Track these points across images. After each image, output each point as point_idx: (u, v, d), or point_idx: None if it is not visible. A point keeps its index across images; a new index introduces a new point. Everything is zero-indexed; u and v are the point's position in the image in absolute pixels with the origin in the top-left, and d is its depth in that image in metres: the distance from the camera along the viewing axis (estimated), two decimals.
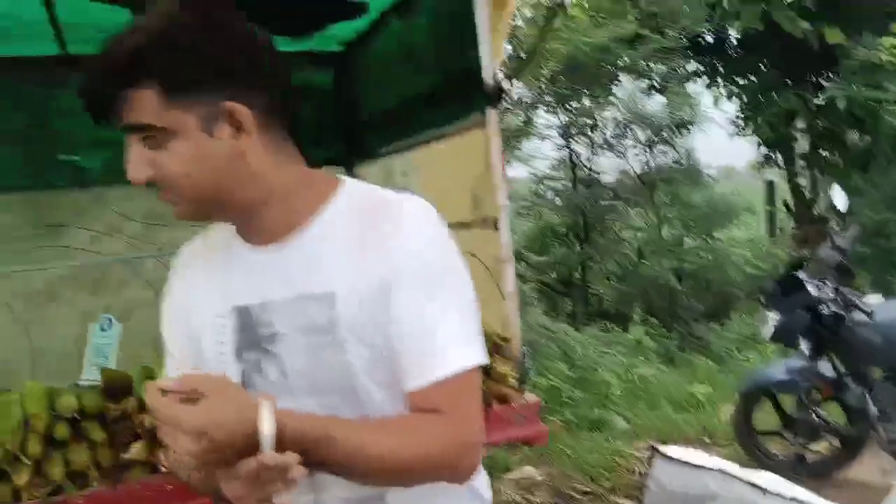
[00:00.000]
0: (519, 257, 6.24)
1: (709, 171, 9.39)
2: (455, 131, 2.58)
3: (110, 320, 2.58)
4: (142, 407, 1.99)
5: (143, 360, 2.20)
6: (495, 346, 2.23)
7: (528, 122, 8.72)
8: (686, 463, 2.87)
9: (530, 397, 2.22)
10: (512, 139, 8.19)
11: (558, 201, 8.74)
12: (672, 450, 3.00)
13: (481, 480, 1.21)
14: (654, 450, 2.98)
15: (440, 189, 2.71)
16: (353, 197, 1.12)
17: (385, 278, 1.05)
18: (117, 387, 2.07)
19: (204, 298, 1.14)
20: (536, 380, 5.18)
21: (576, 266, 8.63)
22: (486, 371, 2.11)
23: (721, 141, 9.03)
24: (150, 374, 2.09)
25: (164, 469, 1.93)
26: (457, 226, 2.54)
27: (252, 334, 1.10)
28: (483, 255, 2.45)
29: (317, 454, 0.94)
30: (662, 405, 5.40)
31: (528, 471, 4.29)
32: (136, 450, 1.97)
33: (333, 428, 0.97)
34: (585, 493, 4.00)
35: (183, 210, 1.08)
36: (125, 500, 1.89)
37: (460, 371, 1.05)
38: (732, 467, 2.89)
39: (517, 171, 9.34)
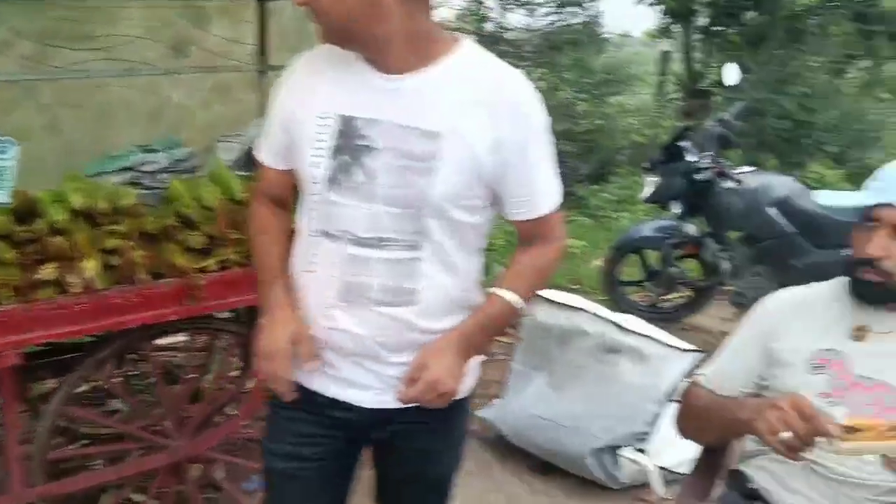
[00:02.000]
0: None
1: (609, 36, 9.53)
2: None
3: (7, 142, 2.54)
4: (53, 229, 2.03)
5: (41, 184, 2.18)
6: None
7: None
8: (559, 303, 3.25)
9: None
10: None
11: None
12: (548, 292, 3.36)
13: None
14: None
15: None
16: (472, 56, 1.32)
17: (506, 131, 1.29)
18: (26, 209, 2.09)
19: (315, 99, 1.32)
20: None
21: None
22: None
23: (624, 6, 9.12)
24: (61, 196, 2.11)
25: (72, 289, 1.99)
26: None
27: (350, 140, 1.28)
28: None
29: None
30: None
31: None
32: (47, 271, 2.02)
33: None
34: None
35: (322, 33, 1.27)
36: (41, 317, 1.95)
37: (556, 206, 1.43)
38: (599, 308, 3.29)
39: None
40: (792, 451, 1.27)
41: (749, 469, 1.53)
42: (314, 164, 1.31)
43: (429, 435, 1.47)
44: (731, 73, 4.25)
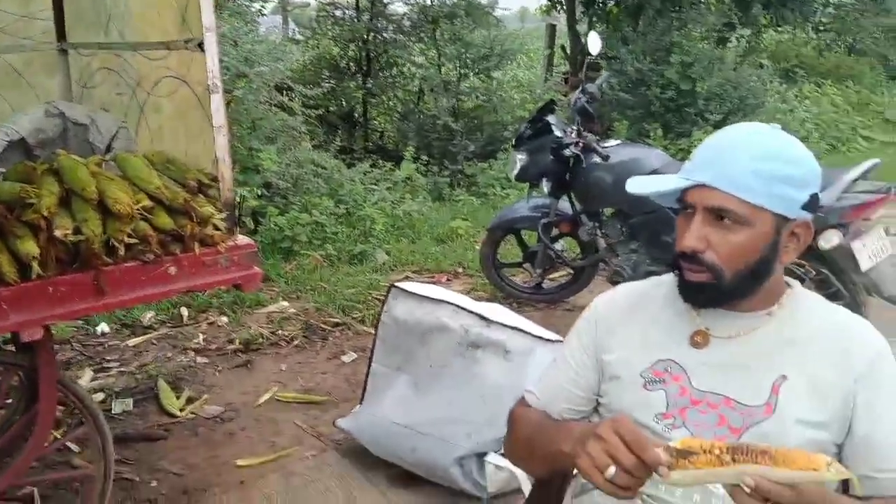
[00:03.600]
0: (286, 88, 5.88)
1: (504, 12, 9.31)
2: None
3: None
4: None
5: None
6: (200, 185, 2.05)
7: None
8: (420, 296, 2.97)
9: (242, 241, 2.09)
10: None
11: (338, 30, 8.26)
12: (409, 285, 3.08)
13: None
14: (392, 285, 3.04)
15: (147, 3, 2.36)
16: None
17: None
18: None
19: None
20: (299, 215, 5.09)
21: (357, 100, 8.38)
22: (189, 213, 1.94)
23: None
24: None
25: None
26: (160, 46, 2.26)
27: None
28: (193, 81, 2.20)
29: None
30: (424, 239, 5.56)
31: (282, 305, 4.27)
32: None
33: None
34: (336, 324, 4.07)
35: None
36: None
37: None
38: (464, 300, 3.03)
39: None
40: (621, 489, 1.03)
41: None
42: None
43: None
44: (594, 43, 4.07)
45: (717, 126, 8.12)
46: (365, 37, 8.10)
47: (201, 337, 3.88)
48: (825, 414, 1.15)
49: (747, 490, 0.97)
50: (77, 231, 1.80)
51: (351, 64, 8.46)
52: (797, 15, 10.39)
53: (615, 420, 1.05)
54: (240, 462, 2.82)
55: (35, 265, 1.74)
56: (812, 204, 1.19)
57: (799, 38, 13.48)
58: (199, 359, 3.66)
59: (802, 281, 3.12)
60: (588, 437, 1.07)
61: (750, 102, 8.41)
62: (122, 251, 1.83)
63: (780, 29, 12.07)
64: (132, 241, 1.85)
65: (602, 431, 1.04)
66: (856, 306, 3.14)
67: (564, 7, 10.18)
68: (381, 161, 6.91)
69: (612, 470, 1.02)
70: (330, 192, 5.55)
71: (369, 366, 2.96)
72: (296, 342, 3.86)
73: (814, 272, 3.22)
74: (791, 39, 13.50)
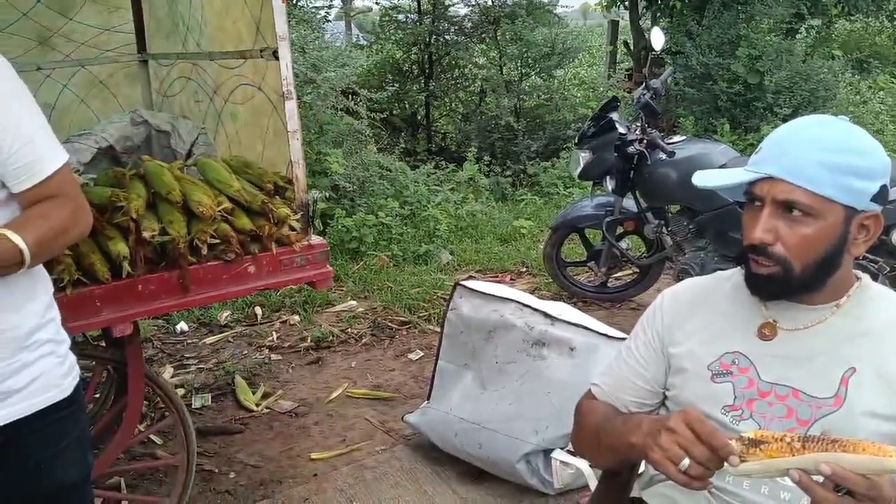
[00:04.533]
0: (352, 93, 6.00)
1: (566, 10, 9.25)
2: None
3: None
4: None
5: None
6: (276, 187, 2.14)
7: None
8: (485, 294, 3.01)
9: (316, 240, 2.17)
10: None
11: (401, 35, 8.38)
12: (474, 283, 3.13)
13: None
14: (458, 284, 3.10)
15: (222, 14, 2.47)
16: None
17: None
18: None
19: None
20: (366, 217, 5.20)
21: (419, 103, 8.48)
22: (266, 214, 2.03)
23: None
24: None
25: None
26: (235, 55, 2.37)
27: None
28: (268, 88, 2.29)
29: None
30: (487, 239, 5.60)
31: (350, 304, 4.37)
32: None
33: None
34: (403, 323, 4.15)
35: None
36: None
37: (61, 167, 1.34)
38: (528, 298, 3.06)
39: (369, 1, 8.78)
40: (695, 480, 1.05)
41: (650, 497, 1.31)
42: None
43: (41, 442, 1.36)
44: (657, 38, 4.03)
45: (787, 120, 7.77)
46: (427, 40, 8.19)
47: (275, 335, 4.01)
48: (895, 407, 1.15)
49: (822, 477, 0.98)
50: (163, 232, 1.91)
51: (413, 67, 8.56)
52: (870, 2, 10.01)
53: (686, 412, 1.08)
54: (313, 455, 2.92)
55: (126, 265, 1.86)
56: (882, 195, 1.19)
57: (873, 26, 12.97)
58: (273, 356, 3.79)
59: (876, 277, 3.04)
60: (659, 430, 1.09)
61: (821, 95, 8.15)
62: (204, 251, 1.94)
63: (852, 18, 11.65)
64: (214, 241, 1.95)
65: (673, 424, 1.07)
66: None
67: (627, 2, 10.07)
68: (444, 162, 6.97)
69: (686, 462, 1.04)
70: (395, 194, 5.65)
71: (436, 363, 3.02)
72: (364, 340, 3.96)
73: (888, 268, 3.13)
74: (864, 28, 13.01)
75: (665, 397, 1.35)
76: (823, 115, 1.27)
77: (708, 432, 1.03)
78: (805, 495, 1.05)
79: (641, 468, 1.40)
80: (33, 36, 2.71)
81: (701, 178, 1.27)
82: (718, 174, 1.28)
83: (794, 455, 1.00)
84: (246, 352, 3.84)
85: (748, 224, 1.21)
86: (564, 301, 3.56)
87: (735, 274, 1.32)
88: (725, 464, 1.03)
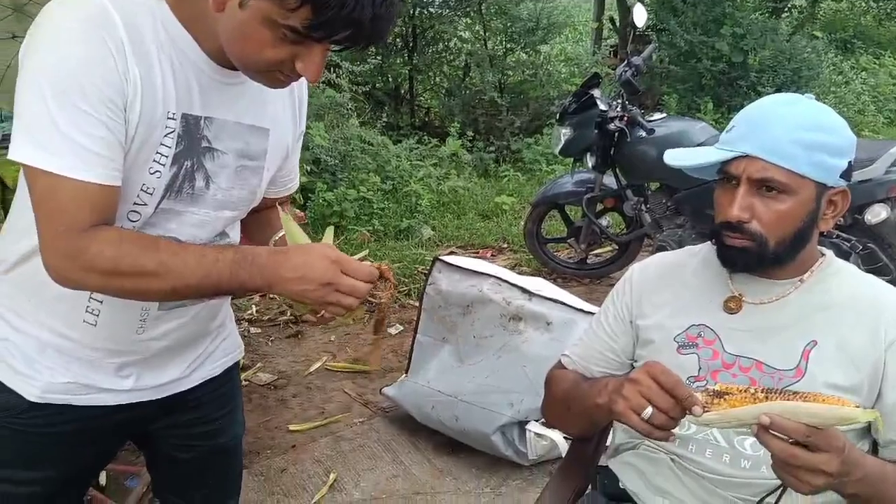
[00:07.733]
0: (334, 66, 5.95)
1: None
2: None
3: None
4: None
5: None
6: None
7: None
8: (464, 269, 3.03)
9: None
10: None
11: None
12: (453, 258, 3.15)
13: None
14: (436, 259, 3.11)
15: None
16: None
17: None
18: None
19: (161, 90, 1.08)
20: (347, 191, 5.18)
21: (403, 76, 8.42)
22: None
23: None
24: None
25: None
26: None
27: (193, 143, 1.13)
28: None
29: None
30: (469, 215, 5.61)
31: None
32: None
33: None
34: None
35: None
36: None
37: None
38: (507, 273, 3.08)
39: None
40: (658, 429, 1.06)
41: (616, 466, 1.34)
42: None
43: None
44: (639, 15, 4.03)
45: None
46: (411, 12, 8.11)
47: (254, 308, 4.02)
48: (854, 379, 1.18)
49: (760, 427, 0.98)
50: None
51: (397, 40, 8.48)
52: None
53: (649, 364, 1.08)
54: (292, 427, 2.94)
55: None
56: (848, 172, 1.22)
57: (857, 6, 13.02)
58: (252, 329, 3.80)
59: (849, 255, 3.09)
60: (621, 384, 1.10)
61: (804, 74, 8.19)
62: None
63: None
64: None
65: (637, 376, 1.07)
66: None
67: None
68: (427, 137, 6.95)
69: (648, 411, 1.05)
70: (377, 169, 5.63)
71: (414, 337, 3.04)
72: None
73: (861, 246, 3.18)
74: (849, 8, 13.05)
75: (633, 368, 1.38)
76: (791, 93, 1.29)
77: (672, 383, 1.04)
78: (764, 463, 1.08)
79: (609, 440, 1.43)
80: (8, 2, 2.67)
81: (673, 157, 1.29)
82: (692, 153, 1.30)
83: (755, 403, 1.01)
84: None
85: (722, 201, 1.23)
86: (544, 277, 3.59)
87: (703, 249, 1.35)
88: (688, 413, 1.04)
